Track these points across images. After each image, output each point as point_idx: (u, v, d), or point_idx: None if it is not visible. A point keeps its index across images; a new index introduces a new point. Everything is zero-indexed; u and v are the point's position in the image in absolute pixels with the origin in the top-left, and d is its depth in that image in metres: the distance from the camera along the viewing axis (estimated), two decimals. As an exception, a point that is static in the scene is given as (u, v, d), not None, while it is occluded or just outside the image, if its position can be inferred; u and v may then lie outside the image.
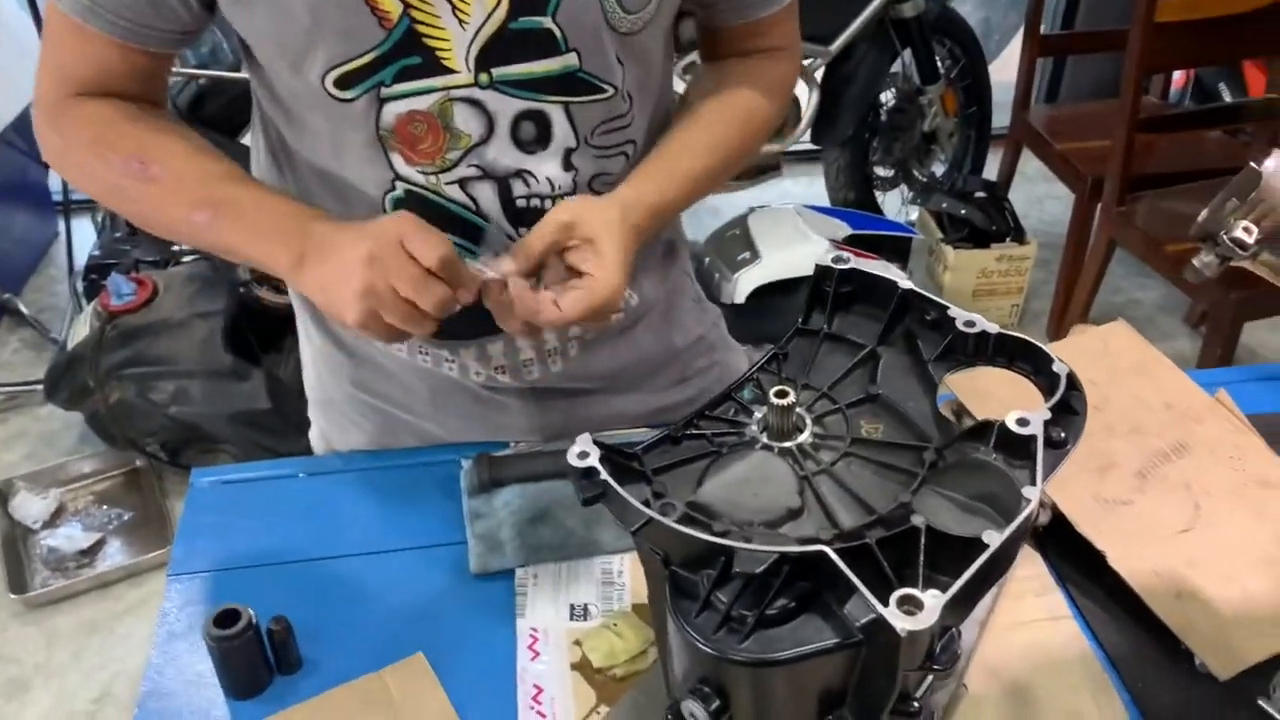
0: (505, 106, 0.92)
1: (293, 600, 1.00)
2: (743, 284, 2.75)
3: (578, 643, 0.94)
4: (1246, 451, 1.08)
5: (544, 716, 0.88)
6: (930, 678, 0.74)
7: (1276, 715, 0.87)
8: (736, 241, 2.85)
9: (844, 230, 2.90)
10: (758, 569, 0.64)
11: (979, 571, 0.62)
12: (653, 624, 0.86)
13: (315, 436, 1.30)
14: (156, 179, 0.91)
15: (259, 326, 2.50)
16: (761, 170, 3.15)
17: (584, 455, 0.71)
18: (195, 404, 2.35)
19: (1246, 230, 0.72)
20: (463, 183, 0.95)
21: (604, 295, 0.89)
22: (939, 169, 3.49)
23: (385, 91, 0.90)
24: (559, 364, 1.11)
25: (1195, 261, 0.77)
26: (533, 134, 0.94)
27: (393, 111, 0.91)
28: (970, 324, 0.78)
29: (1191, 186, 2.69)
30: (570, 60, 0.91)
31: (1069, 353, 1.19)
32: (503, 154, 0.94)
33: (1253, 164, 0.74)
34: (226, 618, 0.89)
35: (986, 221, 3.00)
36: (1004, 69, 3.37)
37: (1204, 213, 0.76)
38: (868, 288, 0.85)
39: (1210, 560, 0.97)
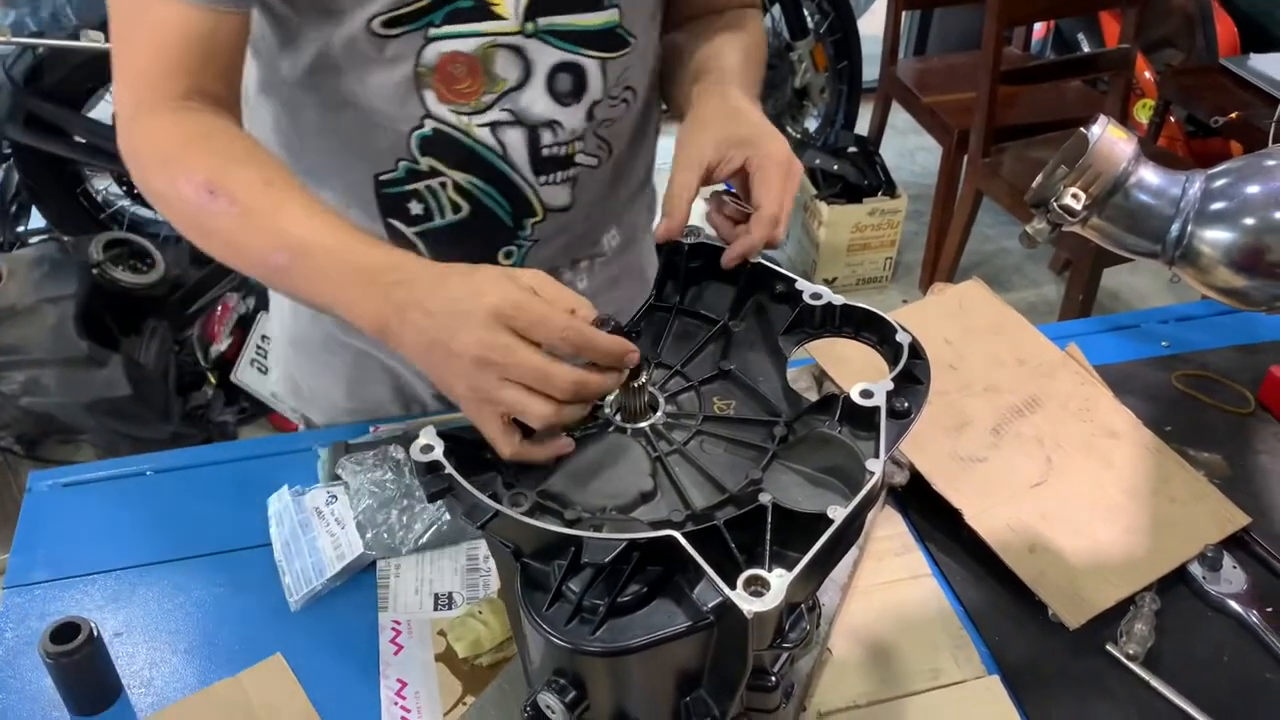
0: (544, 56, 0.93)
1: (143, 606, 0.96)
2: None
3: (442, 633, 0.92)
4: (1095, 403, 1.12)
5: (408, 711, 0.86)
6: (785, 654, 0.74)
7: (1123, 659, 0.90)
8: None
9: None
10: (607, 558, 0.63)
11: (825, 546, 0.62)
12: (508, 616, 0.85)
13: (278, 378, 1.28)
14: (227, 211, 0.80)
15: (116, 309, 2.39)
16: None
17: (428, 449, 0.69)
18: (49, 394, 2.23)
19: (1075, 197, 0.74)
20: (493, 126, 0.96)
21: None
22: (812, 124, 3.52)
23: (433, 32, 0.90)
24: None
25: (1028, 228, 0.78)
26: (569, 86, 0.96)
27: (436, 51, 0.91)
28: (816, 296, 0.78)
29: (1053, 136, 2.77)
30: (612, 15, 0.94)
31: (926, 313, 1.22)
32: (536, 102, 0.95)
33: (1081, 130, 0.75)
34: (64, 632, 0.84)
35: (859, 176, 3.04)
36: (872, 23, 3.41)
37: (1037, 179, 0.77)
38: (719, 261, 0.84)
39: (1061, 512, 1.00)
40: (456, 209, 1.00)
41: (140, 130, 0.85)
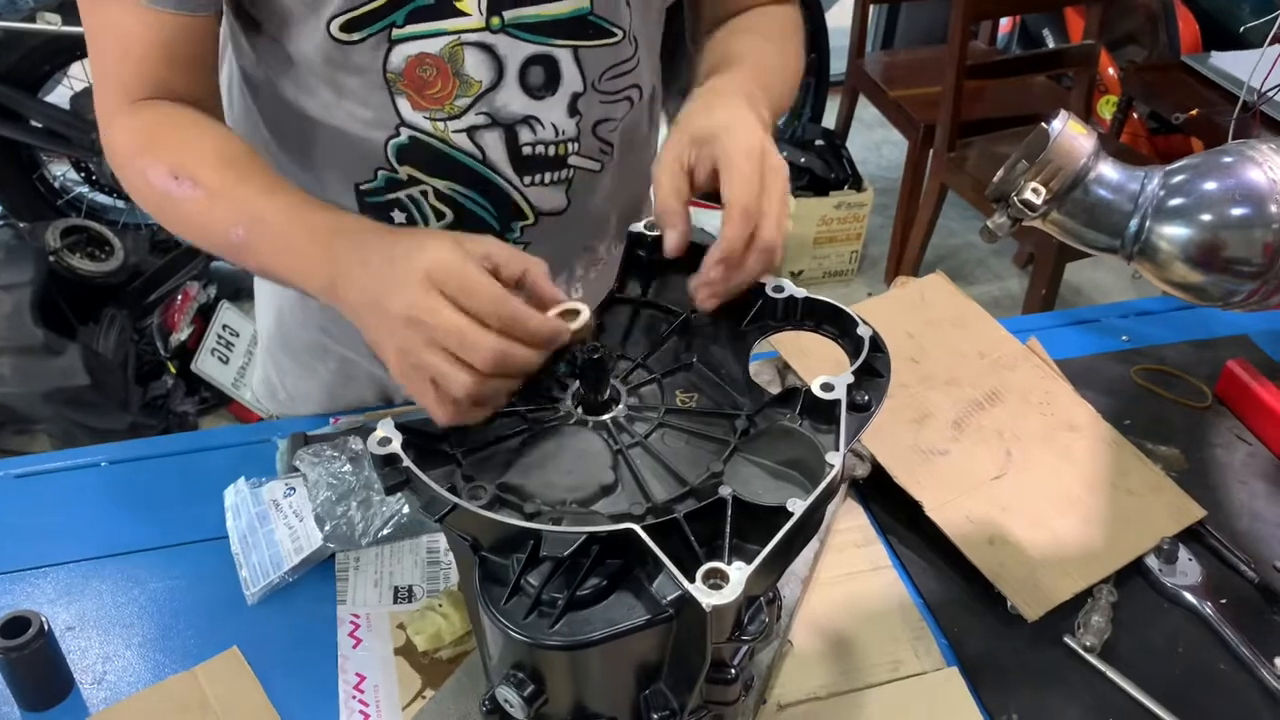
0: (515, 51, 0.91)
1: (97, 599, 0.94)
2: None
3: (402, 626, 0.91)
4: (1055, 397, 1.13)
5: (366, 705, 0.85)
6: (745, 647, 0.74)
7: (1080, 650, 0.91)
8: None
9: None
10: (566, 551, 0.62)
11: (784, 539, 0.62)
12: (467, 609, 0.84)
13: (260, 382, 1.27)
14: (191, 196, 0.83)
15: (73, 297, 2.36)
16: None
17: (385, 441, 0.68)
18: (5, 383, 2.19)
19: (1035, 191, 0.74)
20: (470, 131, 0.94)
21: (749, 223, 0.75)
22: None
23: (396, 33, 0.88)
24: None
25: (989, 223, 0.79)
26: (541, 79, 0.93)
27: (402, 54, 0.89)
28: (779, 289, 0.78)
29: (1018, 131, 2.79)
30: (582, 3, 0.91)
31: (889, 306, 1.23)
32: (511, 100, 0.93)
33: (1043, 124, 0.75)
34: (14, 626, 0.83)
35: (826, 169, 3.05)
36: (840, 15, 3.41)
37: (998, 174, 0.77)
38: (684, 254, 0.83)
39: (1021, 505, 1.00)
40: (440, 216, 0.99)
41: (113, 131, 0.88)
